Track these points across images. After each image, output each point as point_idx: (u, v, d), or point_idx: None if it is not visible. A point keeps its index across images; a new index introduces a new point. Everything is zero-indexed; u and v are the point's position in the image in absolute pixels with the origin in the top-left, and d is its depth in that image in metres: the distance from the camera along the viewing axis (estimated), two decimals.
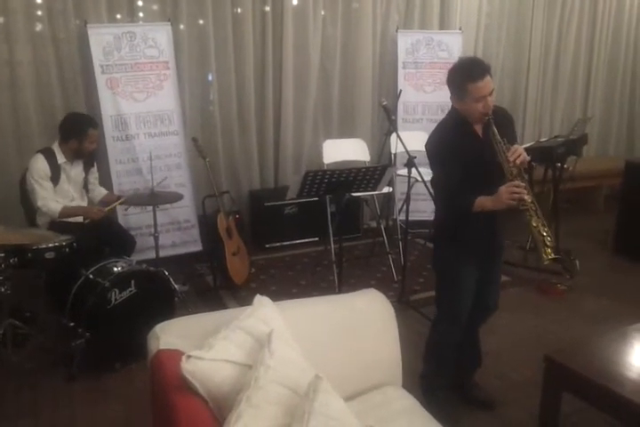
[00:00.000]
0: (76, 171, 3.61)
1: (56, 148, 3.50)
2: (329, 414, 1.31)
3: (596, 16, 6.40)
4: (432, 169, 2.44)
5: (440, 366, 2.64)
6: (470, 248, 2.44)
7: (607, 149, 6.96)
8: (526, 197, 2.17)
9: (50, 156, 3.45)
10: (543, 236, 2.16)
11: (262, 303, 1.85)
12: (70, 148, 3.50)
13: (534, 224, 2.17)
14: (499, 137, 2.24)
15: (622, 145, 7.06)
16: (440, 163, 2.36)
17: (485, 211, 2.27)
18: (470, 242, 2.43)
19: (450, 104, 2.40)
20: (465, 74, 2.23)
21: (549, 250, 2.14)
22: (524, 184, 2.19)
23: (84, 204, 3.70)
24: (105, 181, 4.06)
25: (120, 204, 3.69)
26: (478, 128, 2.37)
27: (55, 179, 3.48)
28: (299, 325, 1.89)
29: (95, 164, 3.78)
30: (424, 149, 2.41)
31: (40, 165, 3.40)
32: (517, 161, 2.20)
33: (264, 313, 1.79)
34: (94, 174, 3.79)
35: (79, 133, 3.46)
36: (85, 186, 3.73)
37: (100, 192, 3.83)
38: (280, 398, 1.43)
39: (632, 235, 4.71)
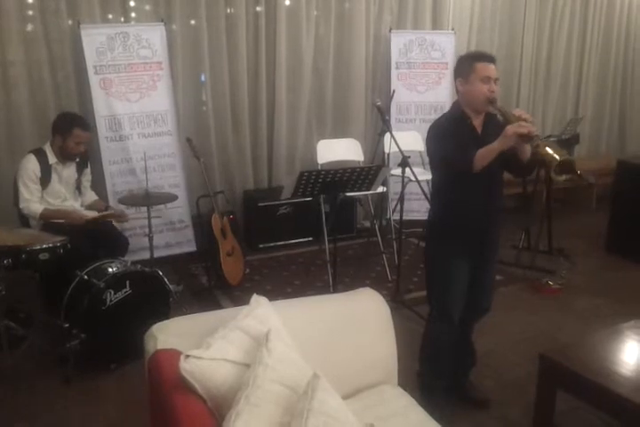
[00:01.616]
0: (68, 172, 3.59)
1: (47, 148, 3.49)
2: (327, 412, 1.32)
3: (587, 16, 6.45)
4: (431, 164, 2.47)
5: (436, 365, 2.64)
6: (461, 245, 2.45)
7: (599, 148, 7.01)
8: (534, 130, 2.16)
9: (41, 156, 3.44)
10: (558, 150, 2.12)
11: (259, 303, 1.85)
12: (56, 145, 3.47)
13: (545, 144, 2.14)
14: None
15: (614, 144, 7.12)
16: (440, 157, 2.38)
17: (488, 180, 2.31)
18: (461, 239, 2.45)
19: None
20: (474, 56, 2.41)
21: (556, 155, 2.09)
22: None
23: (77, 204, 3.68)
24: (99, 181, 4.05)
25: (106, 217, 3.58)
26: (477, 124, 2.40)
27: (46, 179, 3.46)
28: (295, 324, 1.89)
29: (89, 165, 3.75)
30: (425, 146, 2.44)
31: (31, 165, 3.39)
32: (523, 116, 2.24)
33: (261, 313, 1.79)
34: (87, 176, 3.75)
35: (64, 130, 3.42)
36: (78, 187, 3.70)
37: (90, 197, 3.79)
38: (279, 397, 1.44)
39: (624, 233, 4.74)
